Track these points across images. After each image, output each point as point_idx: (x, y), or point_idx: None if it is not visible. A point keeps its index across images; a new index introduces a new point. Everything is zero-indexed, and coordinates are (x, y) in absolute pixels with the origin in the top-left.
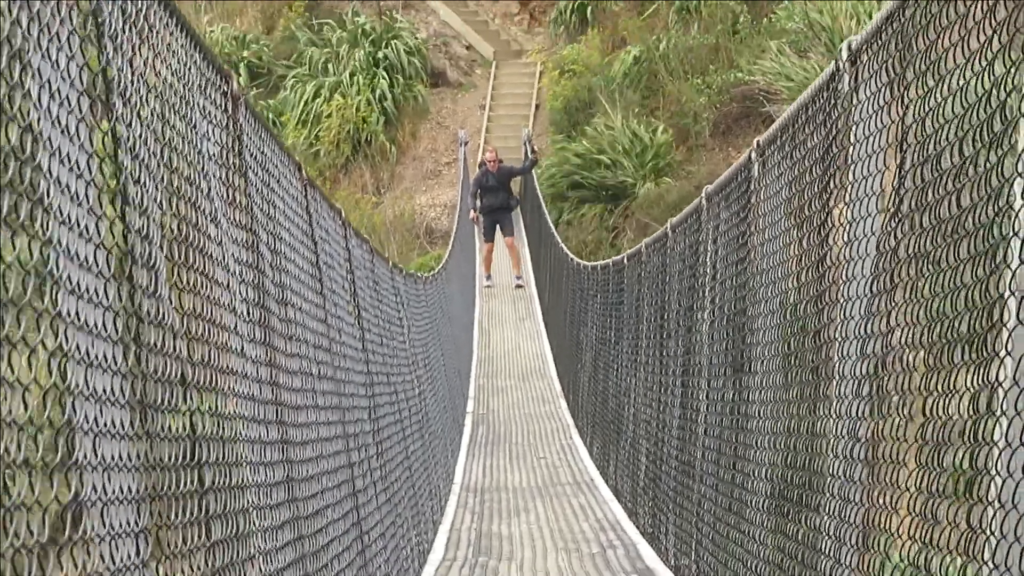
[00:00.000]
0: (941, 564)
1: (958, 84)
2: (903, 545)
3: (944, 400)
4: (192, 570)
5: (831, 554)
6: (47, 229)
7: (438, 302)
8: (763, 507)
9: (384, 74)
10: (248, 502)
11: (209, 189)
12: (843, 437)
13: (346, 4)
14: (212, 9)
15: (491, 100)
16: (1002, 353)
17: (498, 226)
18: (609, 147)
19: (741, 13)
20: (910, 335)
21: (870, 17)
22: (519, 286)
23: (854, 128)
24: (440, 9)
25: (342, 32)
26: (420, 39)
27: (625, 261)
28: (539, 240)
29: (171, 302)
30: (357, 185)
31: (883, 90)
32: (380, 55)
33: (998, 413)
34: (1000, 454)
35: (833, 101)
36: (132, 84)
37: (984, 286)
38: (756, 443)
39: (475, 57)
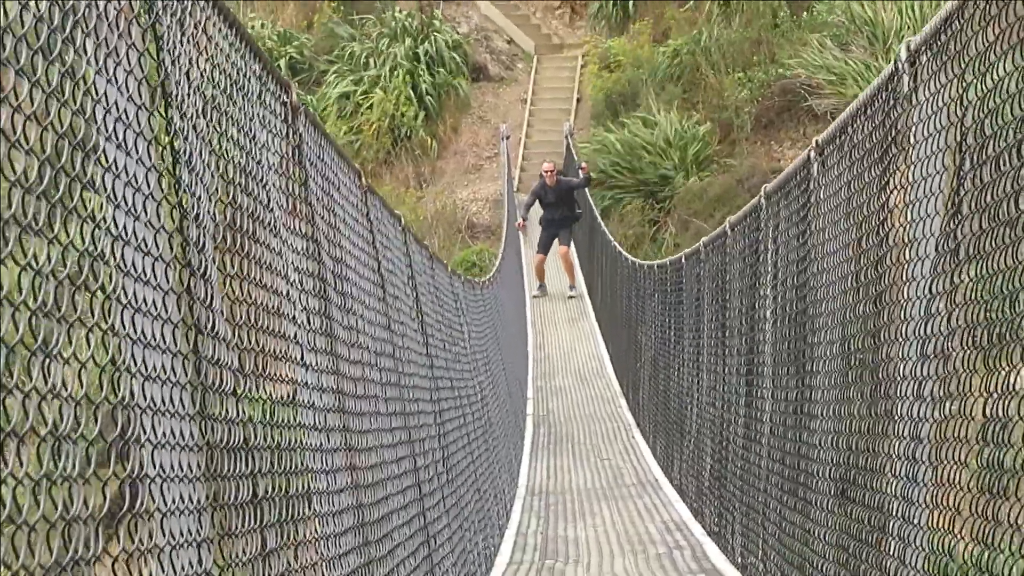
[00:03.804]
0: (1005, 564)
1: (1017, 86)
2: (966, 547)
3: (1003, 401)
4: None
5: (896, 555)
6: (102, 245)
7: (494, 306)
8: (828, 506)
9: (425, 68)
10: (312, 510)
11: (269, 200)
12: (905, 438)
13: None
14: (254, 8)
15: (532, 94)
16: None
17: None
18: (650, 141)
19: (781, 7)
20: (970, 336)
21: (913, 11)
22: (572, 296)
23: (913, 129)
24: (481, 3)
25: (382, 27)
26: (461, 34)
27: (683, 260)
28: (589, 239)
29: (223, 313)
30: (399, 179)
31: (942, 91)
32: (421, 50)
33: None
34: None
35: (892, 102)
36: (189, 97)
37: None
38: (820, 442)
39: (516, 51)
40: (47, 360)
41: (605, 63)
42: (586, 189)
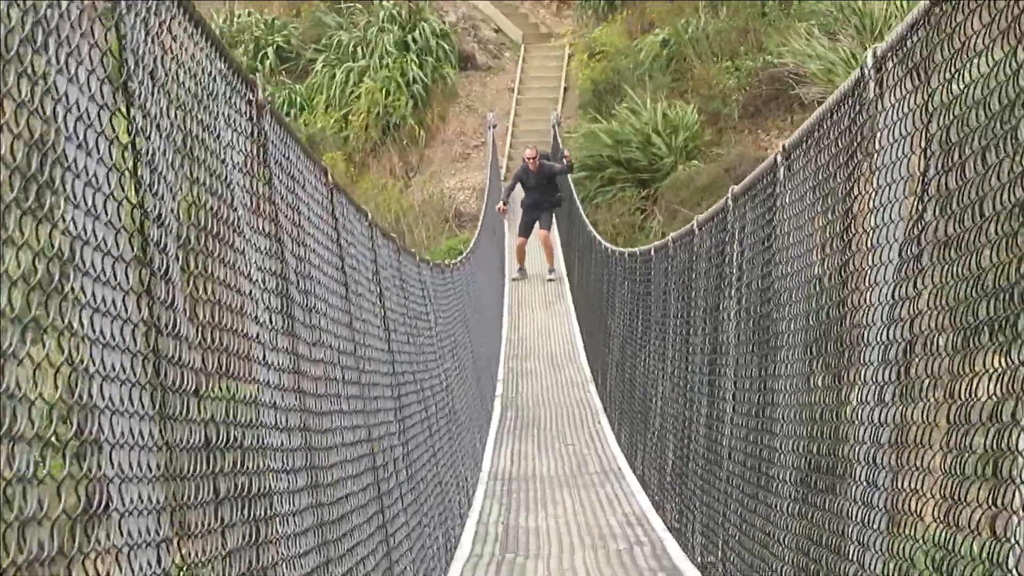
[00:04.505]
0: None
1: (982, 92)
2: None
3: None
4: None
5: (855, 559)
6: (61, 246)
7: (465, 289)
8: (788, 509)
9: (413, 58)
10: (273, 509)
11: (233, 199)
12: (865, 443)
13: None
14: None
15: (520, 83)
16: None
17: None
18: (639, 129)
19: None
20: (933, 342)
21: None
22: (551, 279)
23: (879, 134)
24: None
25: (370, 16)
26: (448, 23)
27: (652, 252)
28: (569, 222)
29: (186, 313)
30: (386, 168)
31: (908, 97)
32: (409, 39)
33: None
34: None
35: (858, 107)
36: (153, 96)
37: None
38: (781, 445)
39: (504, 40)
40: (3, 361)
41: (590, 53)
42: (568, 175)
